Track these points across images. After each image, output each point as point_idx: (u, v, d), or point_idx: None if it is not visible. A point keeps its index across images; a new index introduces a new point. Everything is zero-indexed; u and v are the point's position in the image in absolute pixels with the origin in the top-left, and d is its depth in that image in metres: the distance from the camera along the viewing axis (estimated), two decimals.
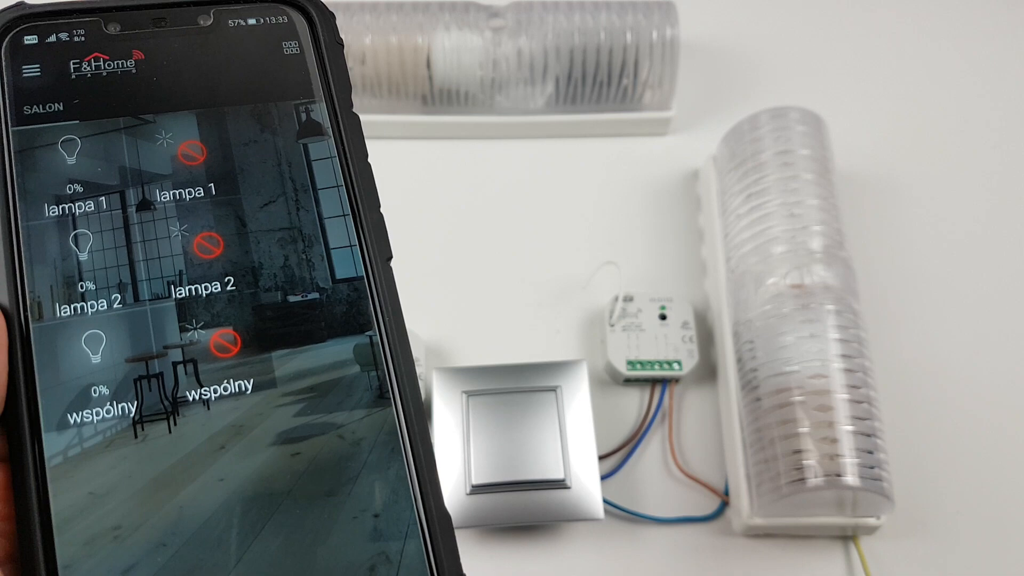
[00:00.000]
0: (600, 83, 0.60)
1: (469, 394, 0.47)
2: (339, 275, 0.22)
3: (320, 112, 0.24)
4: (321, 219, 0.23)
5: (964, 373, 0.54)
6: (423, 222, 0.59)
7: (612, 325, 0.53)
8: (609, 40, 0.58)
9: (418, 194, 0.60)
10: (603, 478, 0.50)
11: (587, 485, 0.45)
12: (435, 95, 0.60)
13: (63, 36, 0.23)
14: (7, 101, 0.22)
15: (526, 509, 0.45)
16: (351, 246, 0.23)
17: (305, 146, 0.24)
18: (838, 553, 0.49)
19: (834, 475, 0.44)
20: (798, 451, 0.45)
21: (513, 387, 0.47)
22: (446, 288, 0.57)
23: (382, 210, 0.23)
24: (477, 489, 0.45)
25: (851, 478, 0.43)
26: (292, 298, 0.22)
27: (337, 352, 0.22)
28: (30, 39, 0.23)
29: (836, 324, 0.47)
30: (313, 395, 0.21)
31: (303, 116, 0.24)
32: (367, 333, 0.22)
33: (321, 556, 0.20)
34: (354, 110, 0.24)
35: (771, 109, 0.55)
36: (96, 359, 0.21)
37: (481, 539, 0.49)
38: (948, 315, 0.56)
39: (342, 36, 0.57)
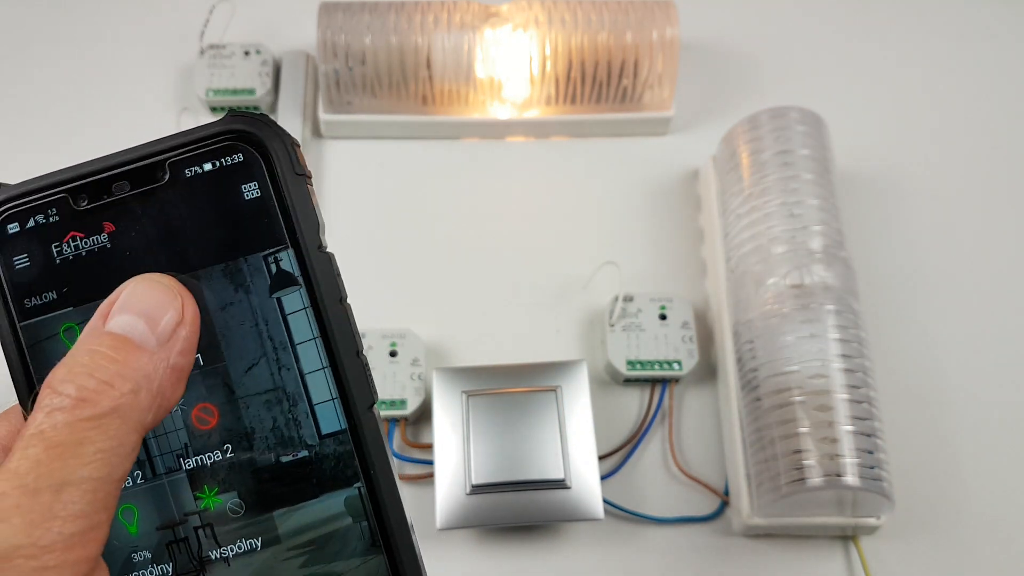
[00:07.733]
0: (600, 83, 0.60)
1: (469, 394, 0.47)
2: (324, 430, 0.23)
3: (289, 260, 0.23)
4: (302, 375, 0.23)
5: (964, 373, 0.54)
6: (423, 222, 0.59)
7: (612, 325, 0.53)
8: (609, 40, 0.58)
9: (418, 194, 0.60)
10: (603, 478, 0.50)
11: (587, 485, 0.45)
12: (435, 95, 0.60)
13: (40, 219, 0.23)
14: (9, 298, 0.23)
15: (526, 509, 0.45)
16: (333, 399, 0.23)
17: (279, 300, 0.23)
18: (838, 553, 0.49)
19: (834, 475, 0.44)
20: (798, 451, 0.45)
21: (513, 387, 0.47)
22: (446, 288, 0.57)
23: (364, 353, 0.24)
24: (477, 489, 0.45)
25: (851, 478, 0.43)
26: (284, 458, 0.24)
27: (329, 506, 0.24)
28: (13, 227, 0.23)
29: (836, 324, 0.47)
30: (313, 548, 0.23)
31: (273, 267, 0.23)
32: (355, 485, 0.23)
33: None
34: (327, 249, 0.23)
35: (771, 109, 0.55)
36: (133, 529, 0.23)
37: (481, 539, 0.49)
38: (948, 315, 0.56)
39: (342, 35, 0.57)
